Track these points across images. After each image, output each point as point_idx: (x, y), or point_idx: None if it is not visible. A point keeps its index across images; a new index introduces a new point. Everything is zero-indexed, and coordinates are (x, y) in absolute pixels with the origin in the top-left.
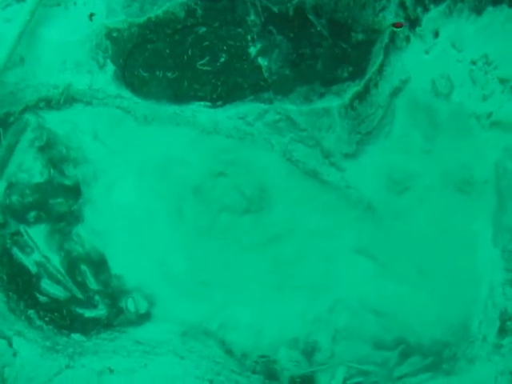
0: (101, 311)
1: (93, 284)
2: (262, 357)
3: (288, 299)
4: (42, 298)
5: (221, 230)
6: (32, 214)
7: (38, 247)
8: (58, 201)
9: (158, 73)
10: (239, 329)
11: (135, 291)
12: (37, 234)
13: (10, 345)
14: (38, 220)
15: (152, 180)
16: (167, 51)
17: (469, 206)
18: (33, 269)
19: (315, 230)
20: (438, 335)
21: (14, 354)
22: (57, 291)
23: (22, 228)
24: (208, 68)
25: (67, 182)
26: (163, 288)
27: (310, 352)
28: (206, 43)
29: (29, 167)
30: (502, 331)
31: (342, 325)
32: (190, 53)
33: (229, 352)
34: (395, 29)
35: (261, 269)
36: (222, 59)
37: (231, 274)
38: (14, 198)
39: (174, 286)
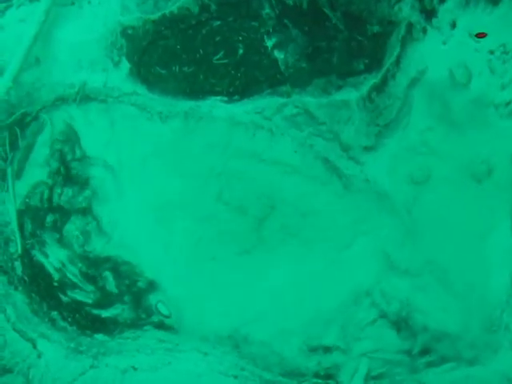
0: (124, 312)
1: (114, 285)
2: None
3: (308, 293)
4: (65, 300)
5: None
6: (50, 218)
7: (57, 250)
8: (76, 200)
9: (173, 69)
10: (261, 326)
11: (161, 294)
12: (54, 236)
13: (35, 346)
14: (55, 223)
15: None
16: (182, 47)
17: (487, 197)
18: (54, 270)
19: (333, 222)
20: (461, 325)
21: (39, 356)
22: (78, 293)
23: (40, 231)
24: (224, 61)
25: (82, 183)
26: (186, 289)
27: (332, 346)
28: (221, 38)
29: (46, 169)
30: None
31: (364, 316)
32: (205, 48)
33: (252, 349)
34: (478, 38)
35: (280, 265)
36: (238, 53)
37: (250, 273)
38: (33, 202)
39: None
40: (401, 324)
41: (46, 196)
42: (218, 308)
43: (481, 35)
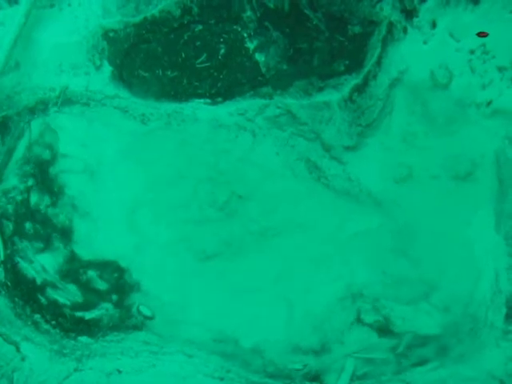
0: (107, 314)
1: (96, 288)
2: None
3: (294, 296)
4: (47, 303)
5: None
6: (29, 225)
7: (38, 254)
8: (54, 211)
9: (156, 72)
10: (247, 328)
11: (144, 296)
12: (35, 242)
13: (18, 349)
14: (35, 230)
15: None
16: (164, 50)
17: (470, 195)
18: (36, 274)
19: (318, 222)
20: (445, 324)
21: (23, 359)
22: (61, 295)
23: (20, 238)
24: (207, 64)
25: (60, 187)
26: (170, 291)
27: (317, 348)
28: (203, 41)
29: (24, 176)
30: (510, 317)
31: (348, 319)
32: (187, 50)
33: (239, 351)
34: (480, 37)
35: (265, 267)
36: (220, 56)
37: (235, 276)
38: (12, 207)
39: (182, 289)
40: (384, 325)
41: (24, 202)
42: (203, 310)
43: (482, 34)
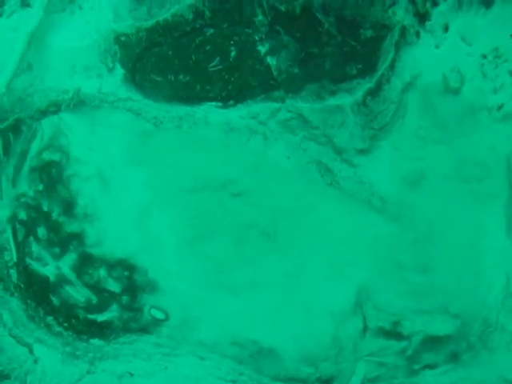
0: (119, 316)
1: (110, 288)
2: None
3: (307, 300)
4: (60, 304)
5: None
6: (42, 230)
7: (51, 256)
8: (66, 217)
9: (168, 75)
10: (260, 331)
11: (157, 297)
12: (48, 245)
13: (31, 352)
14: (47, 234)
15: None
16: (177, 54)
17: (481, 199)
18: (49, 274)
19: (330, 225)
20: (456, 327)
21: (36, 361)
22: (74, 297)
23: (33, 239)
24: (219, 67)
25: (70, 195)
26: (186, 294)
27: (329, 352)
28: (215, 44)
29: (35, 180)
30: None
31: (361, 321)
32: (199, 54)
33: (254, 354)
34: None
35: (277, 272)
36: (232, 59)
37: (250, 278)
38: (26, 211)
39: (195, 290)
40: (395, 328)
41: (36, 207)
42: (218, 313)
43: None
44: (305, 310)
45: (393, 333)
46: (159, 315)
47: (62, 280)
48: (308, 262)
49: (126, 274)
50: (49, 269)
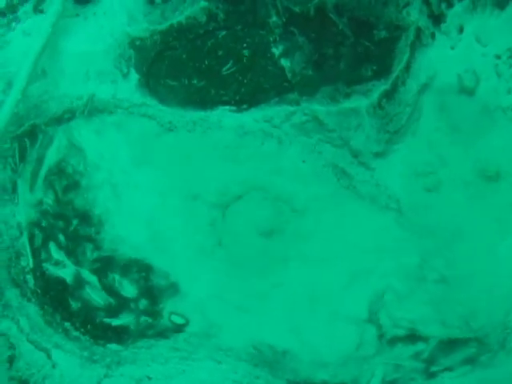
0: (136, 320)
1: (127, 291)
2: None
3: (325, 306)
4: (77, 309)
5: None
6: (58, 236)
7: (68, 260)
8: (83, 225)
9: (182, 79)
10: (277, 336)
11: (177, 302)
12: (65, 248)
13: (49, 357)
14: (64, 238)
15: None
16: (190, 57)
17: (500, 202)
18: (65, 279)
19: (349, 233)
20: (475, 328)
21: (54, 366)
22: (92, 300)
23: (50, 244)
24: (232, 70)
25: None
26: (205, 298)
27: (350, 358)
28: (228, 47)
29: (52, 187)
30: None
31: (380, 328)
32: (212, 57)
33: (272, 359)
34: None
35: (295, 278)
36: (245, 62)
37: (271, 284)
38: (39, 218)
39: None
40: (413, 332)
41: (53, 212)
42: (237, 319)
43: None
44: (323, 316)
45: (410, 336)
46: (179, 320)
47: (80, 283)
48: (327, 268)
49: (143, 277)
50: (66, 271)
